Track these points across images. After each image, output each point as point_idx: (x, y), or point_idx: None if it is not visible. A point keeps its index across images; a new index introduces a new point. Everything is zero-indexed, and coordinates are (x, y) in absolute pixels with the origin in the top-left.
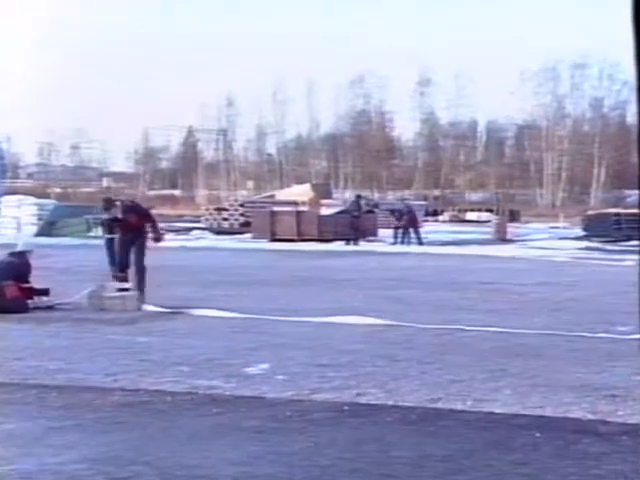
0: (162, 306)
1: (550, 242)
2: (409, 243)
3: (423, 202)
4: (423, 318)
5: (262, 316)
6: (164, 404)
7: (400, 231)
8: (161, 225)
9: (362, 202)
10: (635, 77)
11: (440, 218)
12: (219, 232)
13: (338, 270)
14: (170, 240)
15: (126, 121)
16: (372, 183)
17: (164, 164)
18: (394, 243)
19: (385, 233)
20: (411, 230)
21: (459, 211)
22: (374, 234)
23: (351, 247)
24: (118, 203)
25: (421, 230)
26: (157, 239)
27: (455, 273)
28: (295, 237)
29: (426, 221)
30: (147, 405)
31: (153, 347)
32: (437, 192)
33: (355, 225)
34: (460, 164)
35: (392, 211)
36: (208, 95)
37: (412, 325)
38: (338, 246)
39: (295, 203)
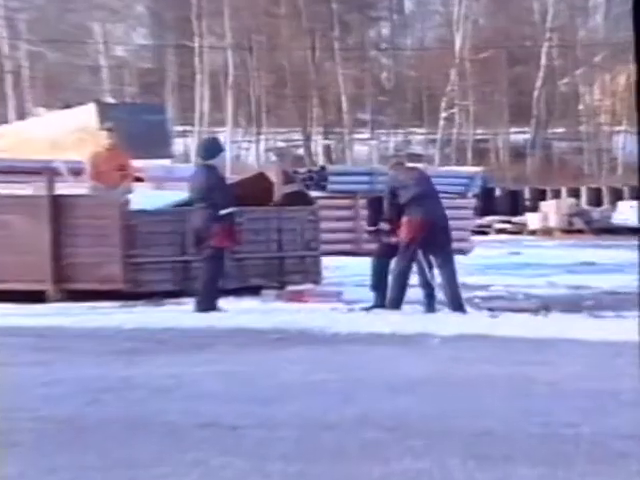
0: None
1: None
2: (429, 301)
3: (475, 168)
4: None
5: None
6: None
7: (403, 264)
8: None
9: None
10: (635, 76)
11: (535, 221)
12: None
13: (193, 395)
14: None
15: None
16: (305, 106)
17: None
18: (375, 305)
19: (344, 266)
20: (432, 257)
21: (590, 195)
22: (312, 271)
23: (222, 317)
24: None
25: (466, 258)
26: None
27: (579, 415)
28: (47, 287)
29: (484, 232)
30: None
31: None
32: (524, 132)
33: (212, 238)
34: (586, 44)
35: (371, 201)
36: None
37: None
38: (189, 314)
39: (47, 172)
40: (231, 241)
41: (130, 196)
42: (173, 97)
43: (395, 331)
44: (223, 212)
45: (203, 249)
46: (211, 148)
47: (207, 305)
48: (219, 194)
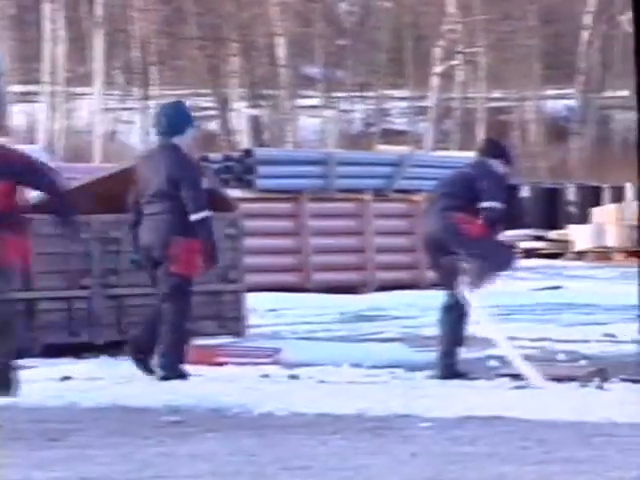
0: None
1: None
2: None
3: None
4: None
5: None
6: None
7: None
8: None
9: None
10: (635, 75)
11: (584, 238)
12: None
13: None
14: None
15: None
16: (219, 54)
17: None
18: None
19: (282, 308)
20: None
21: None
22: (231, 316)
23: None
24: None
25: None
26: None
27: None
28: None
29: None
30: None
31: None
32: (567, 96)
33: None
34: None
35: None
36: None
37: None
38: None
39: None
40: (202, 263)
41: None
42: (4, 38)
43: (362, 410)
44: (198, 216)
45: (161, 278)
46: (181, 118)
47: (172, 368)
48: (192, 190)
